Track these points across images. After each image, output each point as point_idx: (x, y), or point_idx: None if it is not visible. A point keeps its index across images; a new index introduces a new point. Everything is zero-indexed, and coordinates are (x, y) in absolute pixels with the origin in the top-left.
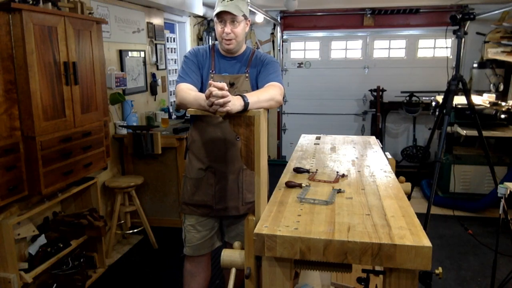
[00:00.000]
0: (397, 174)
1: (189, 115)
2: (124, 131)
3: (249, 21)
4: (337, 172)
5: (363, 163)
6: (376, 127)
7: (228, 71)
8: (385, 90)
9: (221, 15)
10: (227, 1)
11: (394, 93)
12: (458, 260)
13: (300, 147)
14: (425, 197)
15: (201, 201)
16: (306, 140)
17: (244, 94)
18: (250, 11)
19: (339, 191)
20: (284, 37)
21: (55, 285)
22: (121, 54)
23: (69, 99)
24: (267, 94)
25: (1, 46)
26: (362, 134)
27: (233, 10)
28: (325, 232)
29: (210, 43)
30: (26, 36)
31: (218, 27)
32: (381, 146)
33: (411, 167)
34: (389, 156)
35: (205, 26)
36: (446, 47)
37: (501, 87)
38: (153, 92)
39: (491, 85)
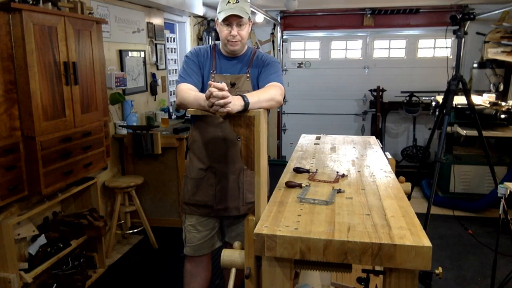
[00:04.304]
0: (397, 174)
1: (189, 115)
2: (124, 131)
3: (251, 21)
4: (337, 172)
5: (363, 163)
6: (376, 127)
7: (229, 71)
8: (385, 90)
9: (228, 18)
10: (233, 4)
11: (394, 93)
12: (458, 260)
13: (300, 147)
14: (425, 197)
15: (201, 201)
16: (306, 140)
17: (244, 94)
18: (251, 11)
19: (339, 191)
20: (284, 37)
21: (55, 285)
22: (121, 54)
23: (69, 99)
24: (268, 94)
25: (1, 46)
26: (362, 134)
27: (240, 12)
28: (325, 232)
29: (210, 43)
30: (26, 36)
31: (223, 30)
32: (381, 146)
33: (411, 167)
34: (389, 156)
35: (205, 26)
36: (446, 47)
37: (501, 87)
38: (153, 92)
39: (491, 85)
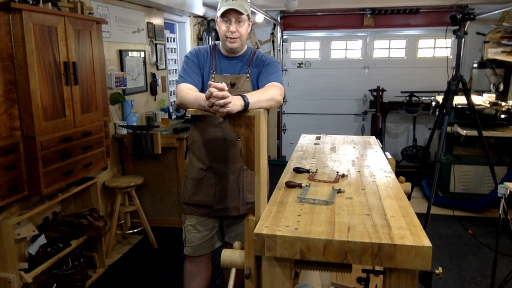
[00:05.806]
0: (397, 174)
1: (189, 115)
2: (124, 131)
3: (251, 21)
4: (337, 172)
5: (363, 163)
6: (376, 127)
7: (229, 71)
8: (385, 90)
9: (226, 14)
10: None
11: (394, 93)
12: (458, 260)
13: (300, 147)
14: (425, 197)
15: (201, 201)
16: (306, 140)
17: (244, 94)
18: (251, 11)
19: (339, 191)
20: (284, 37)
21: (55, 285)
22: (121, 54)
23: (69, 99)
24: (268, 94)
25: (1, 46)
26: (362, 134)
27: (239, 8)
28: (325, 232)
29: (210, 43)
30: (26, 36)
31: (222, 26)
32: (381, 146)
33: (411, 167)
34: (389, 156)
35: (205, 26)
36: (446, 47)
37: (501, 87)
38: (153, 92)
39: (491, 85)
